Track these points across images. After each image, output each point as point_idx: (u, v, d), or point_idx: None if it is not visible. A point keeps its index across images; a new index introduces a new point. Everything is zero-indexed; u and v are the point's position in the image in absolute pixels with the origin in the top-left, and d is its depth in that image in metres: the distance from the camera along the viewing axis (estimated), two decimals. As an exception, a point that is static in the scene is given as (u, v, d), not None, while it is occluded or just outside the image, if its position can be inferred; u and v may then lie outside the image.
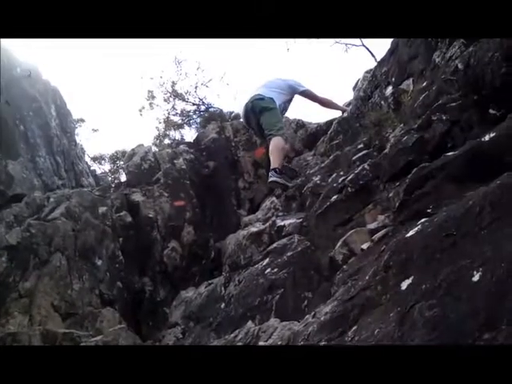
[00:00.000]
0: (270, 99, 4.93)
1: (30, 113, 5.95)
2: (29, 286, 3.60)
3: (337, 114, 5.52)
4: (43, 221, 4.10)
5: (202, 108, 9.70)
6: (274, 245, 3.33)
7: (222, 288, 3.50)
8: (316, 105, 5.35)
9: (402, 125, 3.17)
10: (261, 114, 4.89)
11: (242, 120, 5.40)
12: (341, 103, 5.60)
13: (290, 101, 5.32)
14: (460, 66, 2.76)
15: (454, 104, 2.69)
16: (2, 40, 5.83)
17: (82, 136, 11.47)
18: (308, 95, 5.32)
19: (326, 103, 5.48)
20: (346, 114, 5.07)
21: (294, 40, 10.33)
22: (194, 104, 9.83)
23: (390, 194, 2.63)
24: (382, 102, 4.02)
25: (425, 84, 3.35)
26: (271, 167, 4.36)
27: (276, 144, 4.52)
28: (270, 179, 4.30)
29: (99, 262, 4.13)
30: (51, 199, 4.56)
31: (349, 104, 5.29)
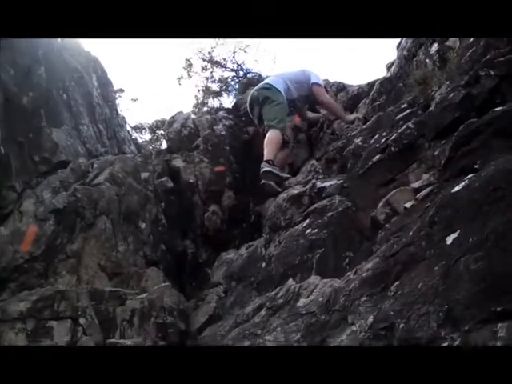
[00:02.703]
0: (277, 91, 4.83)
1: (72, 83, 6.02)
2: (76, 247, 3.71)
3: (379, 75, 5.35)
4: (88, 186, 4.20)
5: (241, 74, 9.62)
6: (315, 205, 3.31)
7: (263, 249, 3.52)
8: (357, 66, 5.24)
9: (448, 82, 3.06)
10: (263, 103, 4.82)
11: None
12: (384, 63, 5.41)
13: (307, 96, 5.19)
14: (510, 17, 2.64)
15: (502, 59, 2.58)
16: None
17: (123, 106, 11.61)
18: (314, 91, 5.12)
19: (328, 107, 5.25)
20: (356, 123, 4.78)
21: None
22: (232, 70, 9.76)
23: (436, 152, 2.56)
24: (427, 60, 3.88)
25: (472, 39, 3.22)
26: (264, 159, 4.39)
27: (272, 137, 4.52)
28: (263, 169, 4.31)
29: (143, 226, 4.22)
30: (95, 165, 4.66)
31: (391, 64, 5.12)
